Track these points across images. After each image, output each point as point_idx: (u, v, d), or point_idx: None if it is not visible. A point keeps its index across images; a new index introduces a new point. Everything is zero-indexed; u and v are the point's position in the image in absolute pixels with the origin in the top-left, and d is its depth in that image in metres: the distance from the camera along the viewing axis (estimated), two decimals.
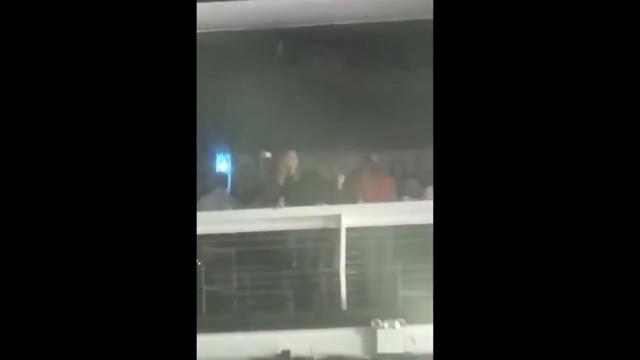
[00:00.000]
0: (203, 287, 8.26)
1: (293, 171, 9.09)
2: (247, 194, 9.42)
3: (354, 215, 8.06)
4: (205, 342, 7.35)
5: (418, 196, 8.92)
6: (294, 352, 7.49)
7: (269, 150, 10.04)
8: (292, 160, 9.14)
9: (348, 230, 7.96)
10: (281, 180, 9.04)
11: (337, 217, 7.96)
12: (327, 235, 8.15)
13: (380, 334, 7.43)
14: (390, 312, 7.52)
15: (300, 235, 8.29)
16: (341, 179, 9.09)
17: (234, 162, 11.09)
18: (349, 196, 8.67)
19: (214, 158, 11.07)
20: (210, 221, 8.11)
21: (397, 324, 7.42)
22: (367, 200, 8.71)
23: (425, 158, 7.49)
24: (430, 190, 8.25)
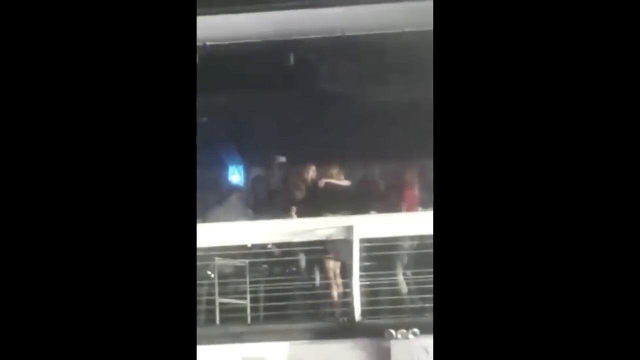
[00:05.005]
0: (217, 299, 8.29)
1: (309, 183, 9.13)
2: (260, 205, 9.43)
3: (366, 226, 8.06)
4: (219, 353, 7.44)
5: (430, 206, 8.91)
6: None
7: (281, 162, 10.04)
8: (309, 173, 9.18)
9: (361, 241, 7.96)
10: (294, 192, 9.06)
11: (350, 228, 7.96)
12: (340, 246, 8.16)
13: (393, 344, 7.42)
14: (404, 323, 7.51)
15: (313, 247, 8.30)
16: (353, 190, 9.09)
17: (247, 174, 11.11)
18: (362, 207, 8.67)
19: (226, 170, 11.10)
20: (223, 233, 8.15)
21: (410, 334, 7.40)
22: (379, 211, 8.69)
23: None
24: None
